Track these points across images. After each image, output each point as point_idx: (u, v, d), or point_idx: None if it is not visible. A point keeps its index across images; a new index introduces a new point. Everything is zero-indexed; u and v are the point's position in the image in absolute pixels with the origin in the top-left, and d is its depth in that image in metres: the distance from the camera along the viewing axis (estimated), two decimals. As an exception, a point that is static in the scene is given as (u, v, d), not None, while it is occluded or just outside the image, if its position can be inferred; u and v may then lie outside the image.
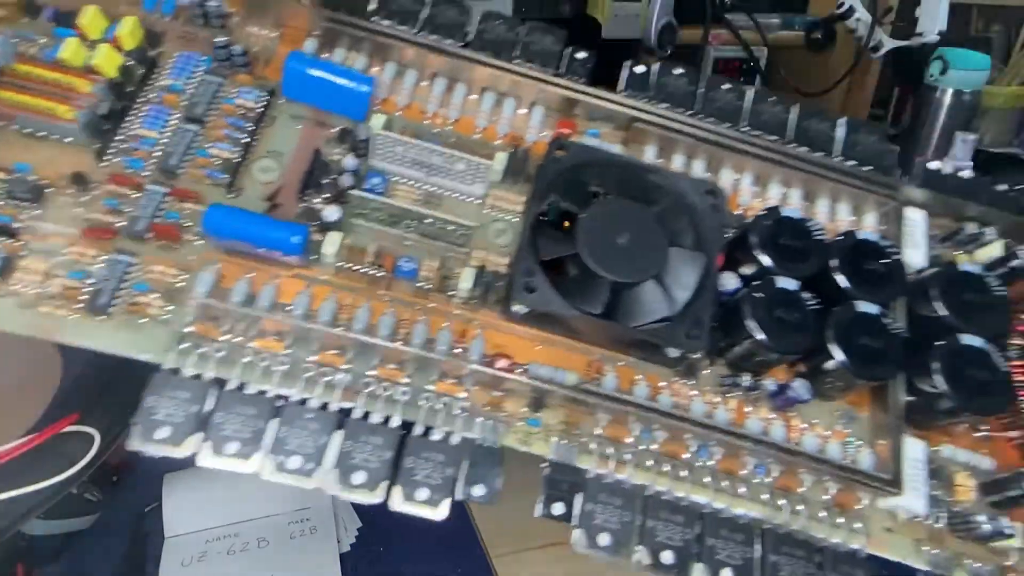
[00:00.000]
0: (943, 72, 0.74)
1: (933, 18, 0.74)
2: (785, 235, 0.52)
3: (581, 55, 0.63)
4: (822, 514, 0.49)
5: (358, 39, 0.58)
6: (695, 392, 0.52)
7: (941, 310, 0.52)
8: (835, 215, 0.61)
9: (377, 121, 0.55)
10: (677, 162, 0.60)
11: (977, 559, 0.50)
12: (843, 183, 0.60)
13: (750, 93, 0.64)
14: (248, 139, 0.54)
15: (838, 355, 0.49)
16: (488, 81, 0.59)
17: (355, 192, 0.51)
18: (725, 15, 0.90)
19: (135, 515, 0.72)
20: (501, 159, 0.56)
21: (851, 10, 0.82)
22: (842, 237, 0.53)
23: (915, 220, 0.59)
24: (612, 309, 0.50)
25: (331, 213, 0.49)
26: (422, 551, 0.71)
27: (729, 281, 0.53)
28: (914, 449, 0.50)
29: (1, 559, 0.62)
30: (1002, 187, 0.64)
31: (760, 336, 0.48)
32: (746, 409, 0.52)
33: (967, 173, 0.64)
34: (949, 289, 0.53)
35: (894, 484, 0.48)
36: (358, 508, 0.47)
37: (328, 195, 0.51)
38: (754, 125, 0.62)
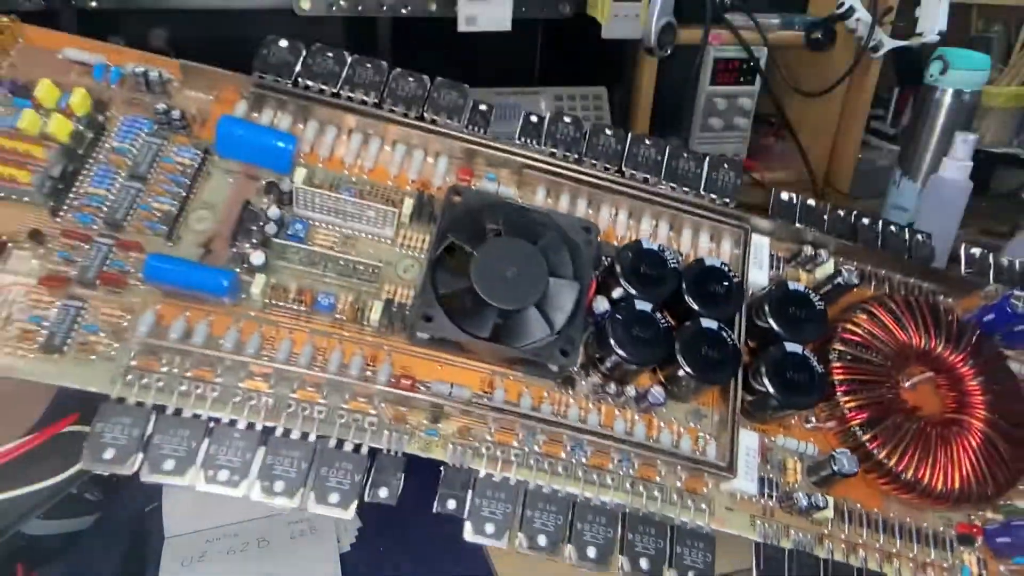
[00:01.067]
0: (943, 72, 0.69)
1: (933, 18, 0.70)
2: (645, 264, 0.58)
3: (483, 107, 0.68)
4: (675, 497, 0.55)
5: (283, 101, 0.62)
6: (572, 400, 0.57)
7: (771, 323, 0.58)
8: (697, 243, 0.67)
9: (300, 174, 0.59)
10: (563, 202, 0.65)
11: (801, 529, 0.56)
12: (702, 216, 0.65)
13: (630, 136, 0.69)
14: (185, 193, 0.57)
15: (685, 366, 0.55)
16: (398, 135, 0.64)
17: (278, 240, 0.55)
18: (725, 15, 0.86)
19: (135, 515, 0.69)
20: (409, 204, 0.60)
21: (851, 10, 0.76)
22: (693, 264, 0.59)
23: (760, 245, 0.65)
24: (500, 332, 0.55)
25: (257, 257, 0.53)
26: (422, 551, 0.69)
27: (600, 304, 0.59)
28: (748, 440, 0.56)
29: (1, 559, 0.60)
30: (839, 212, 0.71)
31: (620, 352, 0.54)
32: (616, 412, 0.58)
33: (812, 202, 0.71)
34: (779, 305, 0.59)
35: (729, 470, 0.54)
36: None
37: (255, 241, 0.55)
38: (631, 166, 0.68)
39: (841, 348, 0.60)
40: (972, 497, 0.56)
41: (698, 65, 0.94)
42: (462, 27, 0.60)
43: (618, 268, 0.58)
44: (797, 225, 0.68)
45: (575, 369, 0.59)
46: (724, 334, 0.56)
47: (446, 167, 0.65)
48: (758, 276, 0.64)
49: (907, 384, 0.64)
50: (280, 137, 0.59)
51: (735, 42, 0.90)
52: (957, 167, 0.62)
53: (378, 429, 0.52)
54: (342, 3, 0.94)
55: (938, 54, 0.71)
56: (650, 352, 0.54)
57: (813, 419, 0.61)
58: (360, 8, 0.93)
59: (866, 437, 0.57)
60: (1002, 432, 0.58)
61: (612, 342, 0.54)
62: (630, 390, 0.57)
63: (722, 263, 0.60)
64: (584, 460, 0.55)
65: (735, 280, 0.59)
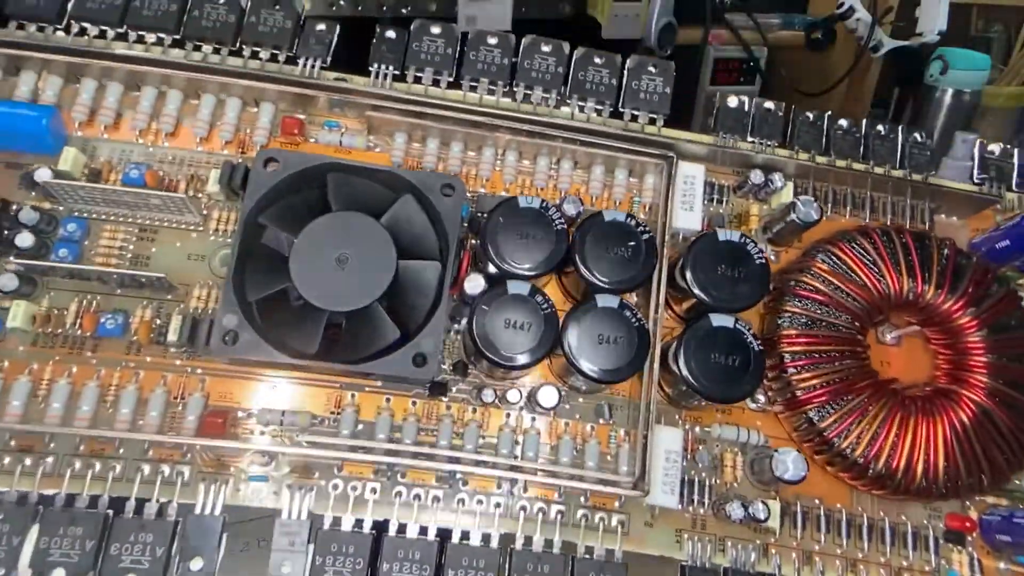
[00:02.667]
0: (943, 72, 0.70)
1: (933, 18, 0.70)
2: (520, 228, 0.45)
3: (320, 27, 0.53)
4: (578, 517, 0.46)
5: (45, 61, 0.48)
6: (447, 409, 0.47)
7: (692, 289, 0.45)
8: (613, 184, 0.53)
9: (68, 156, 0.46)
10: (431, 148, 0.52)
11: (742, 540, 0.46)
12: (615, 148, 0.51)
13: (522, 44, 0.54)
14: (-74, 199, 0.46)
15: (581, 362, 0.43)
16: (202, 83, 0.50)
17: (37, 251, 0.44)
18: (725, 15, 0.88)
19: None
20: (214, 177, 0.47)
21: (851, 10, 0.77)
22: (586, 220, 0.46)
23: (692, 176, 0.51)
24: (335, 342, 0.44)
25: (6, 282, 0.42)
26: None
27: (475, 284, 0.47)
28: (668, 440, 0.45)
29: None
30: (807, 116, 0.56)
31: (487, 353, 0.43)
32: (504, 417, 0.47)
33: (771, 105, 0.55)
34: (702, 264, 0.46)
35: (638, 485, 0.44)
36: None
37: (9, 257, 0.44)
38: (524, 81, 0.53)
39: (792, 310, 0.48)
40: (962, 488, 0.45)
41: (698, 65, 0.96)
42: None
43: (487, 238, 0.45)
44: (746, 142, 0.53)
45: (447, 371, 0.48)
46: (628, 313, 0.44)
47: (272, 119, 0.51)
48: (687, 220, 0.50)
49: (889, 338, 0.52)
50: (34, 109, 0.46)
51: (735, 42, 0.89)
52: (957, 167, 0.56)
53: (190, 481, 0.43)
54: (342, 3, 0.91)
55: (938, 54, 0.70)
56: (524, 350, 0.43)
57: (761, 397, 0.49)
58: (360, 8, 0.91)
59: (824, 424, 0.46)
60: (1006, 402, 0.46)
61: (476, 338, 0.43)
62: (513, 394, 0.47)
63: (628, 215, 0.46)
64: (462, 486, 0.45)
65: (646, 236, 0.46)
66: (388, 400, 0.47)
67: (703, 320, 0.45)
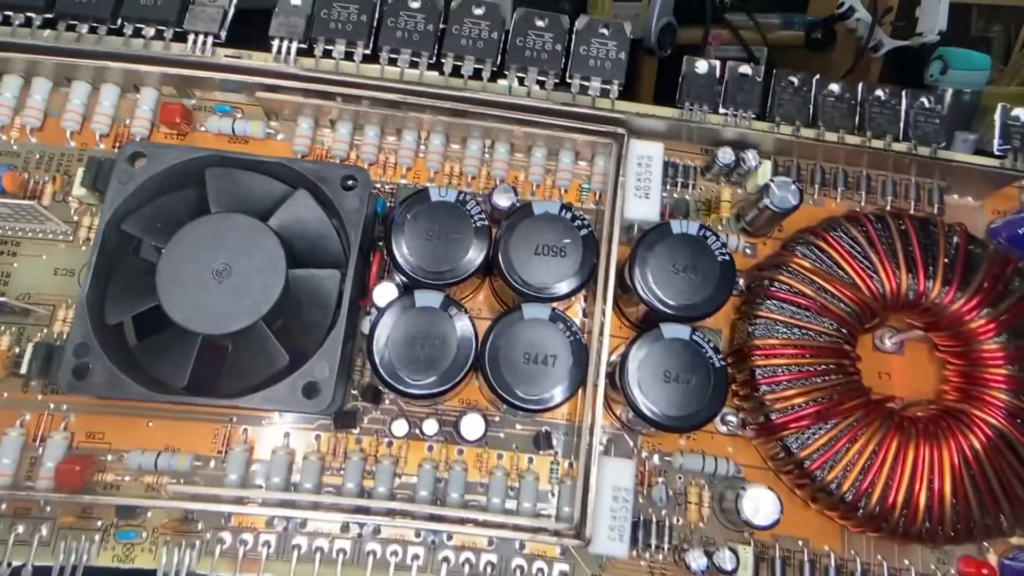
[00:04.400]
0: (943, 72, 0.69)
1: (933, 18, 0.69)
2: (439, 223, 0.38)
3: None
4: (514, 567, 0.39)
5: None
6: (357, 443, 0.41)
7: (640, 294, 0.38)
8: (556, 168, 0.46)
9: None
10: (342, 134, 0.45)
11: (709, 592, 0.40)
12: (557, 126, 0.44)
13: (453, 5, 0.47)
14: None
15: (505, 387, 0.36)
16: (74, 68, 0.44)
17: None
18: (725, 15, 0.87)
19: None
20: (79, 178, 0.41)
21: (851, 10, 0.77)
22: (516, 214, 0.39)
23: (648, 157, 0.44)
24: (213, 371, 0.38)
25: None
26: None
27: (386, 294, 0.40)
28: (617, 474, 0.39)
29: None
30: (791, 81, 0.48)
31: (394, 380, 0.36)
32: (426, 449, 0.41)
33: (747, 70, 0.48)
34: (651, 263, 0.39)
35: (578, 534, 0.37)
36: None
37: None
38: (455, 51, 0.46)
39: (767, 315, 0.41)
40: (976, 530, 0.38)
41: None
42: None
43: (390, 241, 0.38)
44: (717, 114, 0.46)
45: (356, 397, 0.42)
46: (561, 326, 0.37)
47: (154, 107, 0.45)
48: (642, 209, 0.43)
49: (889, 344, 0.44)
50: None
51: (735, 42, 0.88)
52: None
53: (49, 540, 0.37)
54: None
55: (938, 54, 0.68)
56: (431, 376, 0.36)
57: (733, 419, 0.42)
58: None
59: (804, 453, 0.39)
60: None
61: (376, 364, 0.36)
62: (430, 425, 0.40)
63: (564, 205, 0.39)
64: (374, 535, 0.39)
65: (584, 231, 0.39)
66: (287, 436, 0.41)
67: (653, 332, 0.38)
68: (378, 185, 0.46)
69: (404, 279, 0.39)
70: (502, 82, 0.46)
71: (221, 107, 0.45)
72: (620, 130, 0.43)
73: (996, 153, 0.48)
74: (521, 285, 0.38)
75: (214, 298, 0.37)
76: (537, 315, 0.37)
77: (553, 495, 0.41)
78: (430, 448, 0.41)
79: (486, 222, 0.39)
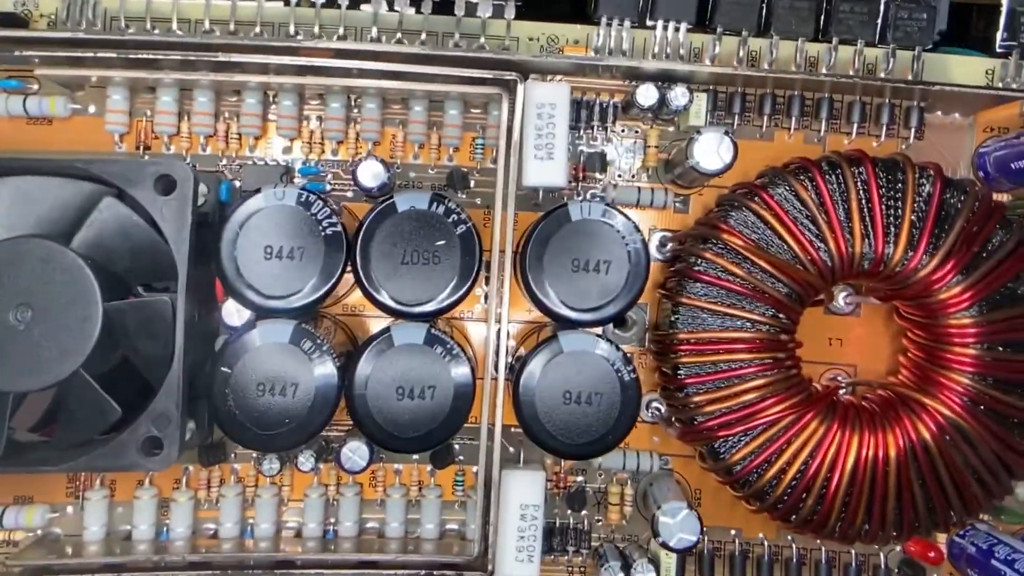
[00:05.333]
0: None
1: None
2: (281, 230, 0.31)
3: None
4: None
5: None
6: (230, 478, 0.37)
7: (535, 294, 0.32)
8: (444, 120, 0.37)
9: None
10: (165, 105, 0.36)
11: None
12: (436, 76, 0.35)
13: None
14: None
15: (377, 428, 0.31)
16: None
17: None
18: None
19: None
20: None
21: None
22: (375, 209, 0.32)
23: (549, 104, 0.35)
24: (45, 419, 0.33)
25: None
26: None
27: (234, 314, 0.34)
28: (523, 490, 0.34)
29: None
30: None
31: (241, 436, 0.31)
32: (313, 480, 0.37)
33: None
34: (552, 256, 0.32)
35: (481, 564, 0.34)
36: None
37: None
38: None
39: (689, 302, 0.34)
40: (921, 529, 0.34)
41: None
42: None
43: (219, 261, 0.31)
44: (643, 28, 0.36)
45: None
46: (439, 349, 0.31)
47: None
48: (544, 173, 0.35)
49: (842, 302, 0.38)
50: None
51: None
52: None
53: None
54: None
55: None
56: (284, 426, 0.31)
57: (659, 407, 0.37)
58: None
59: (733, 458, 0.34)
60: (991, 410, 0.33)
61: (217, 416, 0.31)
62: (305, 460, 0.36)
63: (435, 196, 0.32)
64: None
65: (462, 228, 0.32)
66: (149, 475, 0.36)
67: (550, 343, 0.32)
68: (222, 163, 0.37)
69: (247, 307, 0.32)
70: (366, 7, 0.36)
71: (5, 82, 0.36)
72: (510, 75, 0.34)
73: (998, 49, 0.38)
74: (388, 303, 0.31)
75: (17, 347, 0.31)
76: (408, 338, 0.31)
77: (459, 506, 0.38)
78: (315, 470, 0.37)
79: (338, 227, 0.31)
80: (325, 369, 0.31)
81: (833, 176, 0.34)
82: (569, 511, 0.38)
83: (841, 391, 0.38)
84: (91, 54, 0.33)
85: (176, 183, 0.32)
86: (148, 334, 0.33)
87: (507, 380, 0.34)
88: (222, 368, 0.31)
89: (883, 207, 0.33)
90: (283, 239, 0.31)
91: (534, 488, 0.35)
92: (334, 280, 0.31)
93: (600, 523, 0.38)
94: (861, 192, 0.34)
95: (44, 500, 0.36)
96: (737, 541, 0.38)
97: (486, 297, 0.38)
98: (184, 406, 0.32)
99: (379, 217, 0.31)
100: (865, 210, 0.33)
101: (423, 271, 0.31)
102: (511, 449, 0.37)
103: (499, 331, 0.34)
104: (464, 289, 0.32)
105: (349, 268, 0.32)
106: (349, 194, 0.38)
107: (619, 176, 0.38)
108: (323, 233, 0.31)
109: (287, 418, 0.31)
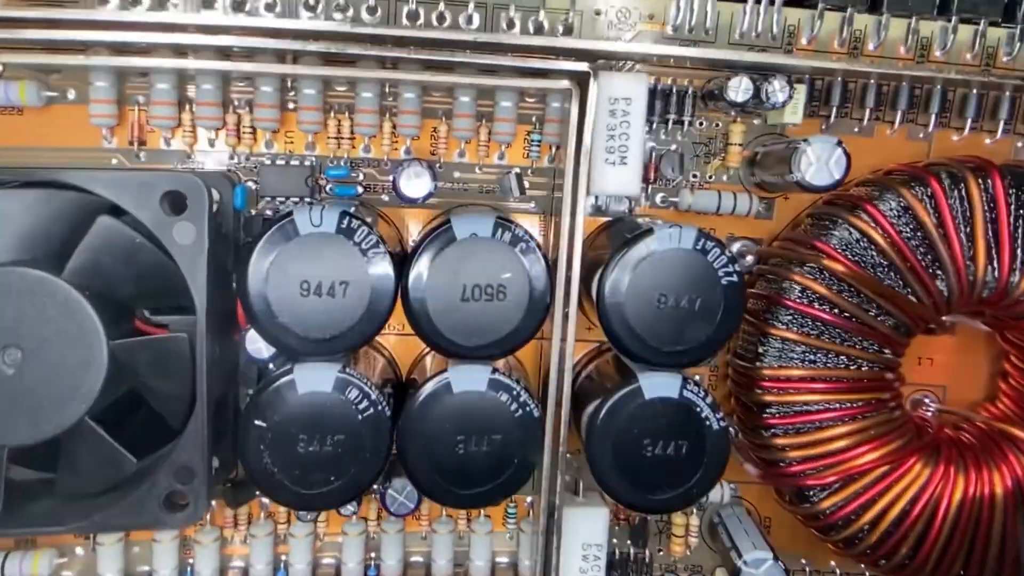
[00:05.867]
0: None
1: None
2: (319, 259, 0.26)
3: None
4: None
5: None
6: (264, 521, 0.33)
7: (611, 331, 0.28)
8: (496, 110, 0.32)
9: None
10: (161, 90, 0.30)
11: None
12: (464, 62, 0.29)
13: None
14: None
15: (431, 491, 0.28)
16: None
17: None
18: None
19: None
20: None
21: None
22: (431, 238, 0.27)
23: (624, 99, 0.29)
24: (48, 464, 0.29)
25: None
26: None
27: (262, 348, 0.30)
28: (586, 527, 0.31)
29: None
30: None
31: (276, 493, 0.27)
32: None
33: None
34: (633, 291, 0.27)
35: None
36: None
37: None
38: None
39: (781, 333, 0.29)
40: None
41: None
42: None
43: (243, 293, 0.27)
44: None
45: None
46: (505, 397, 0.27)
47: None
48: (615, 180, 0.30)
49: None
50: None
51: None
52: None
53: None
54: None
55: None
56: (326, 484, 0.27)
57: (732, 429, 0.34)
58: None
59: (825, 504, 0.31)
60: None
61: (250, 472, 0.27)
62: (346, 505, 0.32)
63: (499, 220, 0.27)
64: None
65: (530, 256, 0.27)
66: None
67: (628, 386, 0.28)
68: (232, 161, 0.32)
69: (275, 347, 0.28)
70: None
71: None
72: (582, 66, 0.28)
73: None
74: (442, 343, 0.27)
75: (6, 394, 0.26)
76: (470, 385, 0.27)
77: (511, 538, 0.35)
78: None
79: (382, 251, 0.26)
80: (372, 419, 0.27)
81: (953, 186, 0.29)
82: (631, 545, 0.35)
83: (927, 414, 0.35)
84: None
85: (187, 200, 0.27)
86: (162, 372, 0.29)
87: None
88: (256, 422, 0.27)
89: (1011, 227, 0.29)
90: (323, 271, 0.26)
91: (597, 526, 0.32)
92: (382, 319, 0.27)
93: (661, 552, 0.36)
94: (987, 209, 0.29)
95: (51, 542, 0.32)
96: (807, 570, 0.36)
97: (543, 314, 0.33)
98: (210, 457, 0.28)
99: (435, 244, 0.27)
100: (990, 231, 0.29)
101: (487, 308, 0.27)
102: (567, 478, 0.34)
103: (563, 353, 0.30)
104: (533, 328, 0.27)
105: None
106: (385, 197, 0.33)
107: (694, 178, 0.34)
108: (367, 257, 0.26)
109: (332, 475, 0.27)
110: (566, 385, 0.30)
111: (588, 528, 0.32)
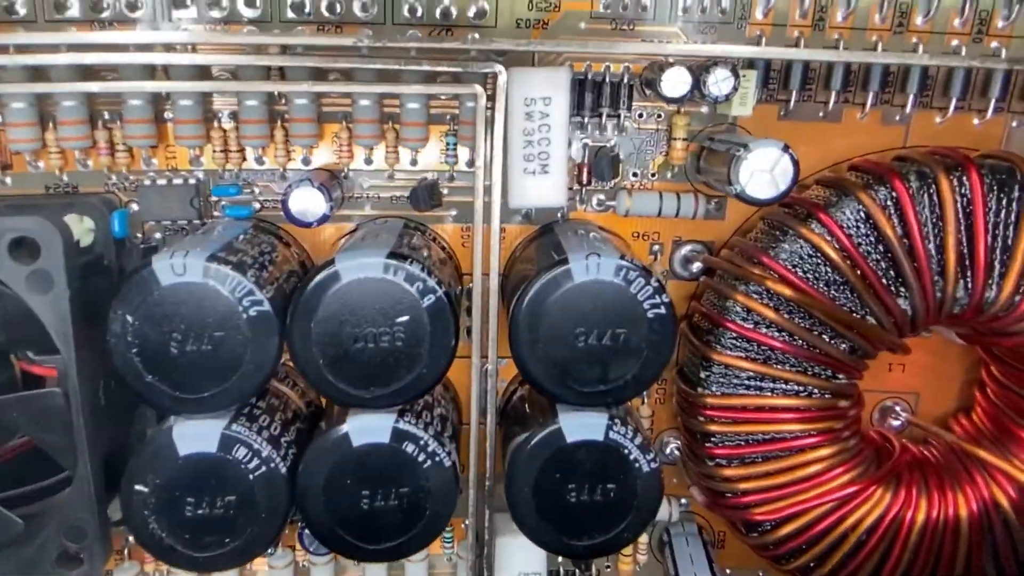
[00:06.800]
0: None
1: None
2: (183, 310, 0.23)
3: None
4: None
5: None
6: None
7: (526, 370, 0.25)
8: (403, 112, 0.27)
9: None
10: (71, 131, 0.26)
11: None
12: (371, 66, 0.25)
13: None
14: None
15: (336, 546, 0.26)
16: None
17: None
18: None
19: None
20: None
21: None
22: (311, 284, 0.24)
23: (544, 98, 0.25)
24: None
25: None
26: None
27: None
28: (522, 556, 0.29)
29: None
30: None
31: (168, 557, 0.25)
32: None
33: None
34: (550, 323, 0.24)
35: None
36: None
37: None
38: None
39: (724, 359, 0.26)
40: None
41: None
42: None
43: (111, 353, 0.24)
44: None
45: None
46: (411, 448, 0.25)
47: None
48: (534, 190, 0.26)
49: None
50: None
51: None
52: None
53: None
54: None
55: None
56: (220, 547, 0.25)
57: (673, 446, 0.32)
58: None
59: (773, 537, 0.29)
60: None
61: (143, 541, 0.25)
62: (279, 556, 0.30)
63: (392, 255, 0.23)
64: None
65: (428, 297, 0.24)
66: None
67: (548, 427, 0.25)
68: (111, 181, 0.28)
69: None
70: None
71: None
72: (488, 68, 0.24)
73: None
74: (343, 397, 0.25)
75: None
76: (372, 437, 0.25)
77: (450, 561, 0.33)
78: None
79: (259, 298, 0.23)
80: (267, 481, 0.25)
81: (925, 192, 0.25)
82: (576, 570, 0.33)
83: (895, 423, 0.32)
84: None
85: (41, 248, 0.24)
86: (43, 427, 0.27)
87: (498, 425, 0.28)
88: (136, 487, 0.24)
89: (989, 235, 0.25)
90: (193, 325, 0.23)
91: (533, 555, 0.30)
92: (267, 371, 0.24)
93: (609, 569, 0.34)
94: (960, 214, 0.25)
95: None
96: (762, 585, 0.34)
97: (469, 331, 0.30)
98: (102, 511, 0.26)
99: (317, 291, 0.23)
100: (964, 240, 0.25)
101: (384, 354, 0.24)
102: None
103: (486, 370, 0.28)
104: (439, 372, 0.25)
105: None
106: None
107: (634, 176, 0.30)
108: (243, 315, 0.23)
109: (227, 537, 0.25)
110: (490, 408, 0.28)
111: (524, 557, 0.30)
